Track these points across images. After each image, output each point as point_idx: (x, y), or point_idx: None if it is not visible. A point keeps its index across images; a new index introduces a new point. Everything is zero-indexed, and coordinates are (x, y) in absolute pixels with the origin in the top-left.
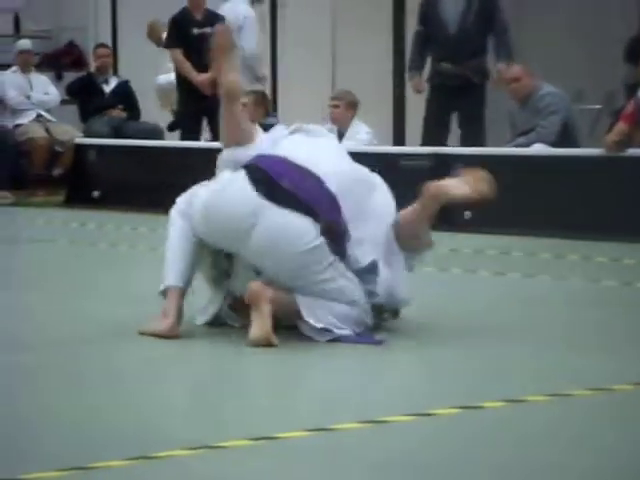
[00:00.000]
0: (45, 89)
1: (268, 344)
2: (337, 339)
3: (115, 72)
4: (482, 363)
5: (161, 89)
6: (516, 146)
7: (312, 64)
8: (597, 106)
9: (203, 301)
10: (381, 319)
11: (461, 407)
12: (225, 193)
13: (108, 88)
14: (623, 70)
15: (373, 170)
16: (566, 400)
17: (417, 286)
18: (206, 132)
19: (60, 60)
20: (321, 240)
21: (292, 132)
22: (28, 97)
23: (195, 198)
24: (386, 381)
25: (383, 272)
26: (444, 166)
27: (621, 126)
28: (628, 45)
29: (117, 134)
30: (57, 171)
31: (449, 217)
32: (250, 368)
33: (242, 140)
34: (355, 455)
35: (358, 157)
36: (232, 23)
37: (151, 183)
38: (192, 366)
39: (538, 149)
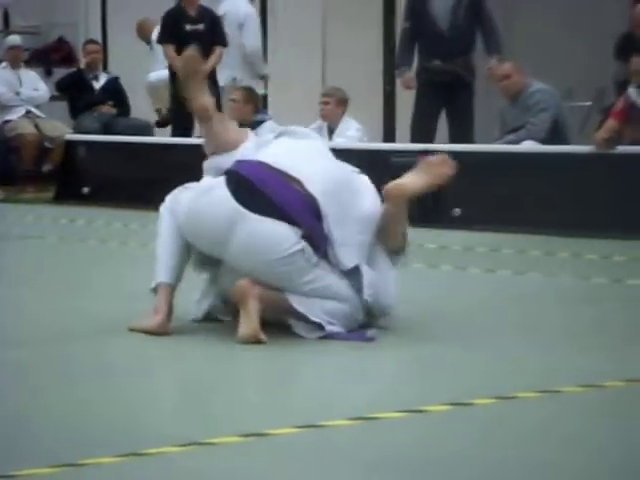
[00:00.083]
0: (34, 85)
1: (256, 341)
2: (328, 336)
3: (105, 68)
4: (473, 360)
5: (152, 86)
6: (506, 143)
7: (303, 61)
8: (587, 103)
9: (197, 295)
10: (372, 316)
11: (452, 404)
12: (204, 200)
13: (98, 84)
14: (613, 67)
15: (361, 167)
16: (557, 397)
17: (407, 283)
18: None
19: (50, 56)
20: (302, 244)
21: (278, 135)
22: (17, 93)
23: (181, 196)
24: (377, 378)
25: (368, 274)
26: None
27: (611, 123)
28: (618, 42)
29: (107, 130)
30: (47, 167)
31: (438, 214)
32: (240, 365)
33: (224, 149)
34: (346, 452)
35: (348, 154)
36: (233, 20)
37: (141, 179)
38: (182, 363)
39: (528, 146)
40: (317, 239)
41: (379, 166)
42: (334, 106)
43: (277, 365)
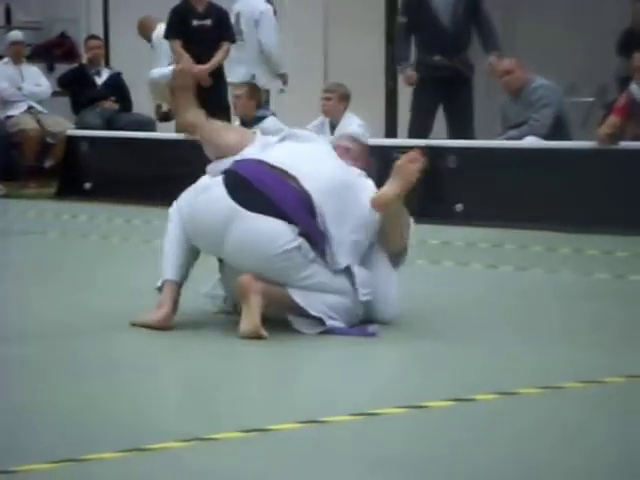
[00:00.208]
0: (36, 81)
1: (257, 337)
2: (328, 331)
3: (107, 64)
4: (474, 356)
5: (154, 83)
6: (508, 139)
7: (305, 58)
8: (589, 99)
9: (207, 288)
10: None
11: (453, 399)
12: (201, 199)
13: (100, 80)
14: (616, 63)
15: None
16: (558, 393)
17: (409, 279)
18: None
19: (52, 51)
20: (299, 241)
21: (282, 139)
22: (19, 89)
23: (186, 197)
24: (378, 373)
25: (361, 273)
26: (436, 158)
27: (613, 119)
28: (621, 38)
29: (109, 126)
30: (48, 163)
31: (441, 210)
32: (242, 360)
33: (225, 153)
34: (347, 447)
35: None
36: (249, 18)
37: (143, 175)
38: (184, 359)
39: (530, 142)
40: (314, 236)
41: (381, 162)
42: (336, 102)
43: (279, 361)
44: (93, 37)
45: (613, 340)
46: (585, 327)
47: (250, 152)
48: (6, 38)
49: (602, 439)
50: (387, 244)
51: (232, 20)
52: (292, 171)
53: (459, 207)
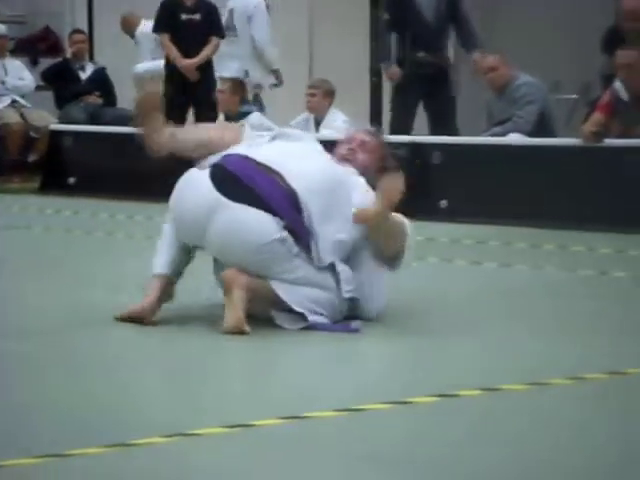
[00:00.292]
0: (20, 74)
1: (240, 332)
2: (311, 327)
3: (91, 58)
4: (459, 352)
5: (138, 78)
6: (492, 135)
7: (290, 54)
8: (574, 96)
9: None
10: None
11: (438, 395)
12: (187, 191)
13: (84, 74)
14: (600, 60)
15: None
16: (545, 389)
17: (393, 275)
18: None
19: (36, 46)
20: (283, 234)
21: (273, 138)
22: (3, 82)
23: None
24: (362, 369)
25: (345, 272)
26: (421, 155)
27: (597, 116)
28: (605, 36)
29: (93, 121)
30: (32, 157)
31: (425, 206)
32: (226, 356)
33: (210, 151)
34: (330, 443)
35: (334, 145)
36: (242, 13)
37: (127, 170)
38: (168, 354)
39: (514, 138)
40: (299, 231)
41: None
42: (320, 98)
43: (262, 356)
44: (77, 31)
45: (599, 336)
46: (571, 323)
47: (238, 149)
48: None
49: (590, 436)
50: (379, 250)
51: (226, 16)
52: (277, 168)
53: (444, 203)
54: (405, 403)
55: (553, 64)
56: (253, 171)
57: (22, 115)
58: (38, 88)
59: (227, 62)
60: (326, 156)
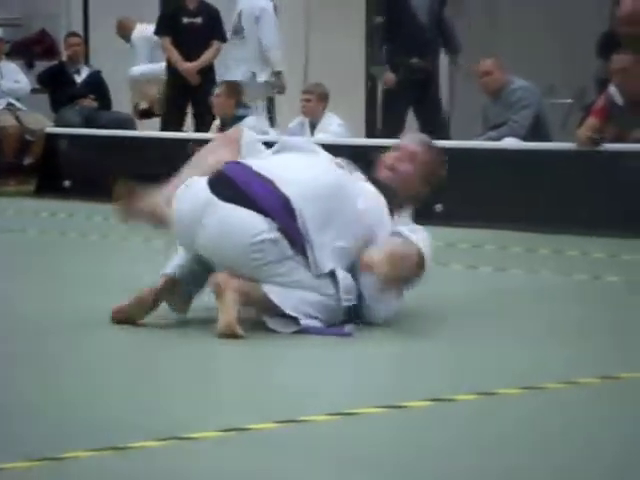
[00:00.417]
0: (15, 77)
1: (233, 335)
2: (304, 330)
3: (86, 61)
4: (453, 356)
5: (134, 81)
6: (487, 140)
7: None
8: (568, 100)
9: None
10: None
11: (433, 400)
12: (185, 193)
13: (79, 78)
14: (595, 65)
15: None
16: (539, 393)
17: None
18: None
19: (31, 49)
20: (276, 235)
21: (276, 151)
22: None
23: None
24: (356, 373)
25: (346, 280)
26: None
27: (592, 121)
28: (600, 40)
29: (88, 124)
30: (27, 160)
31: (420, 210)
32: (219, 359)
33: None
34: (325, 447)
35: (329, 149)
36: (249, 15)
37: (122, 173)
38: (163, 358)
39: (509, 143)
40: (293, 235)
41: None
42: (316, 102)
43: (256, 359)
44: (73, 34)
45: (593, 341)
46: (565, 327)
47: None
48: None
49: (583, 441)
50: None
51: (234, 18)
52: (269, 175)
53: (439, 207)
54: (399, 407)
55: (548, 68)
56: (250, 177)
57: (17, 118)
58: (34, 91)
59: (234, 65)
60: (328, 163)
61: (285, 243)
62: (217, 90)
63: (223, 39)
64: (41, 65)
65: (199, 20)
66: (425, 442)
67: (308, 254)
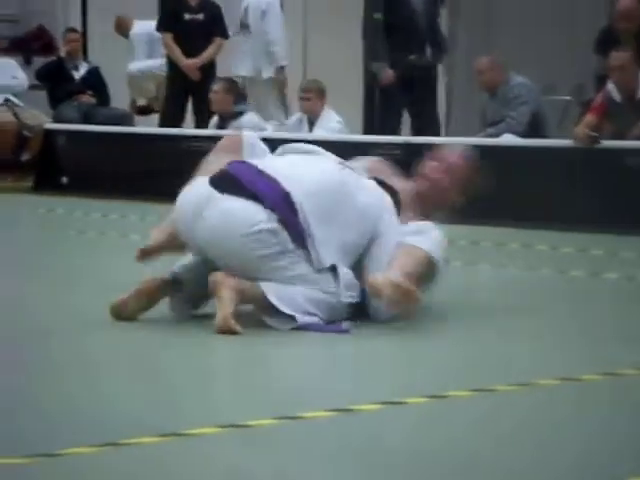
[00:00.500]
0: (13, 73)
1: (230, 331)
2: (301, 327)
3: (85, 57)
4: (451, 352)
5: (132, 77)
6: (486, 136)
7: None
8: (567, 97)
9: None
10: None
11: (430, 396)
12: (188, 190)
13: (78, 74)
14: (593, 62)
15: (342, 159)
16: (535, 390)
17: None
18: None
19: (30, 45)
20: (274, 225)
21: (280, 154)
22: None
23: None
24: (354, 369)
25: (347, 275)
26: (415, 156)
27: (590, 118)
28: (598, 37)
29: (86, 120)
30: (25, 156)
31: None
32: (217, 356)
33: None
34: (323, 443)
35: (328, 146)
36: (256, 9)
37: (120, 169)
38: (160, 354)
39: (508, 139)
40: (293, 228)
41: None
42: (315, 99)
43: (254, 356)
44: (71, 30)
45: (589, 337)
46: (560, 324)
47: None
48: None
49: (576, 437)
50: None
51: (241, 13)
52: (272, 173)
53: None
54: (397, 404)
55: (546, 65)
56: (254, 175)
57: (15, 114)
58: (32, 87)
59: (241, 59)
60: (332, 163)
61: (285, 235)
62: (215, 86)
63: (225, 35)
64: (39, 61)
65: (201, 16)
66: (423, 438)
67: (309, 248)
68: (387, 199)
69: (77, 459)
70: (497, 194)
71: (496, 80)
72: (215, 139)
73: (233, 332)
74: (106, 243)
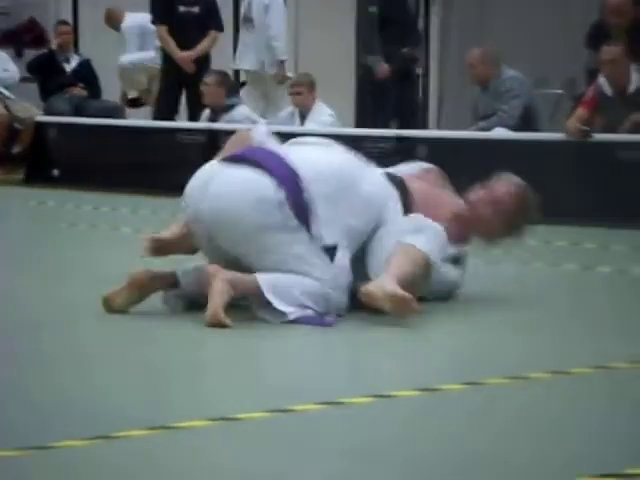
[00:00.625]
0: (4, 66)
1: (219, 324)
2: (294, 320)
3: (76, 50)
4: (442, 346)
5: (123, 70)
6: (477, 130)
7: None
8: (558, 91)
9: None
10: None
11: (420, 389)
12: (195, 175)
13: (69, 66)
14: (584, 56)
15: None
16: (526, 383)
17: None
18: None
19: (21, 37)
20: (280, 196)
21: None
22: None
23: None
24: (345, 362)
25: (342, 259)
26: (406, 149)
27: (581, 112)
28: (590, 31)
29: (78, 112)
30: (16, 149)
31: None
32: (208, 349)
33: None
34: (314, 436)
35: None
36: (259, 3)
37: (111, 162)
38: (151, 347)
39: (499, 133)
40: (298, 205)
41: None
42: (306, 93)
43: (245, 349)
44: (63, 23)
45: (582, 330)
46: (554, 317)
47: None
48: None
49: (570, 430)
50: None
51: (243, 8)
52: (280, 152)
53: None
54: (388, 397)
55: (538, 59)
56: (263, 153)
57: (6, 107)
58: (23, 80)
59: (244, 54)
60: (341, 152)
61: (289, 210)
62: (207, 79)
63: (220, 28)
64: (30, 54)
65: (196, 9)
66: (414, 432)
67: (312, 225)
68: (393, 191)
69: (68, 452)
70: None
71: (488, 73)
72: (207, 132)
73: (223, 325)
74: (97, 236)
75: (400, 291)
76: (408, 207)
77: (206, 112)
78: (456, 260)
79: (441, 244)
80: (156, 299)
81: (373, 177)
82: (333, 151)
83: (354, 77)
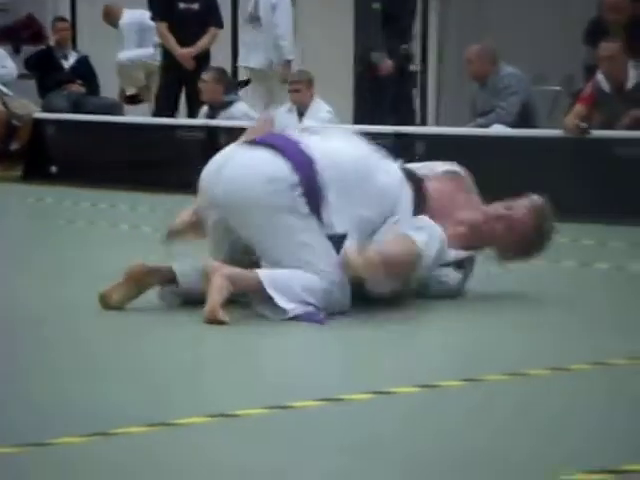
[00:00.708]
0: (2, 62)
1: (216, 321)
2: (292, 317)
3: (74, 46)
4: (441, 342)
5: (121, 66)
6: (475, 126)
7: None
8: (556, 87)
9: None
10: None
11: (420, 386)
12: (211, 160)
13: (67, 63)
14: (582, 52)
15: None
16: (527, 380)
17: None
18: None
19: (19, 33)
20: (294, 178)
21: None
22: None
23: None
24: (344, 359)
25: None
26: (405, 145)
27: (579, 108)
28: (588, 27)
29: (76, 109)
30: (14, 146)
31: None
32: (207, 345)
33: None
34: (313, 433)
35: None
36: (266, 2)
37: (109, 159)
38: (149, 344)
39: (497, 130)
40: (311, 191)
41: None
42: (305, 90)
43: (244, 345)
44: (61, 19)
45: (581, 326)
46: (552, 313)
47: None
48: None
49: (571, 426)
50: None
51: (250, 6)
52: (296, 138)
53: None
54: (387, 393)
55: (536, 56)
56: (280, 139)
57: (4, 103)
58: (21, 76)
59: (252, 52)
60: (361, 143)
61: (301, 196)
62: (205, 76)
63: (219, 25)
64: (28, 50)
65: (196, 6)
66: (413, 428)
67: (322, 212)
68: (408, 188)
69: (67, 448)
70: (486, 184)
71: (486, 70)
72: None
73: (220, 322)
74: (96, 233)
75: (372, 253)
76: (420, 207)
77: (204, 109)
78: (459, 264)
79: (440, 245)
80: (152, 295)
81: (390, 169)
82: (352, 142)
83: (352, 74)
